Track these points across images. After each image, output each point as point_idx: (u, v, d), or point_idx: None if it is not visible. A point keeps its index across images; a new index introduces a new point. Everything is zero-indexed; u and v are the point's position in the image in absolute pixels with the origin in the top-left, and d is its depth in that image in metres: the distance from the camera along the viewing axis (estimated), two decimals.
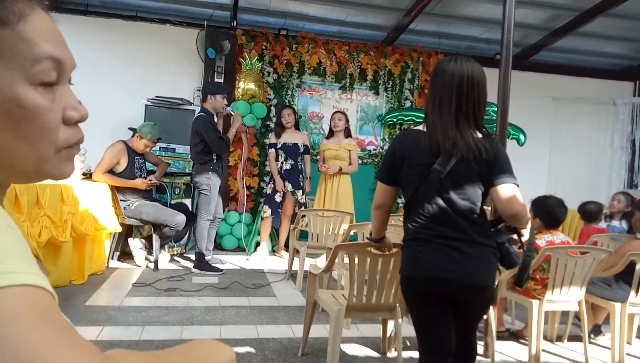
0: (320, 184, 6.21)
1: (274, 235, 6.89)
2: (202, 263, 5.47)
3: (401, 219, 2.42)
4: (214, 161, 5.32)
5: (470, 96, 2.06)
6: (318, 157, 6.55)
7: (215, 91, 5.35)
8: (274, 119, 6.99)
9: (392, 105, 7.87)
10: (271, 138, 6.46)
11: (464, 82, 2.05)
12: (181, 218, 5.31)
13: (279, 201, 6.27)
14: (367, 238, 2.52)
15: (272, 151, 6.33)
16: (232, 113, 5.65)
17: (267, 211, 6.34)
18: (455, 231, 2.07)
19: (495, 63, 4.02)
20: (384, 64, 7.78)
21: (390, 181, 2.21)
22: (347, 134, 6.20)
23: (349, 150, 6.14)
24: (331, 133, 6.25)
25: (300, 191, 6.37)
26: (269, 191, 6.38)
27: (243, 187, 6.96)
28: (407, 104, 7.92)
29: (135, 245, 5.72)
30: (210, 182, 5.30)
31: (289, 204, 6.41)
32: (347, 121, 6.20)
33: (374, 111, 7.88)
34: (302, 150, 6.40)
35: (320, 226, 5.04)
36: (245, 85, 6.75)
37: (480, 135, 2.10)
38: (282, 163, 6.31)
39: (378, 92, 7.85)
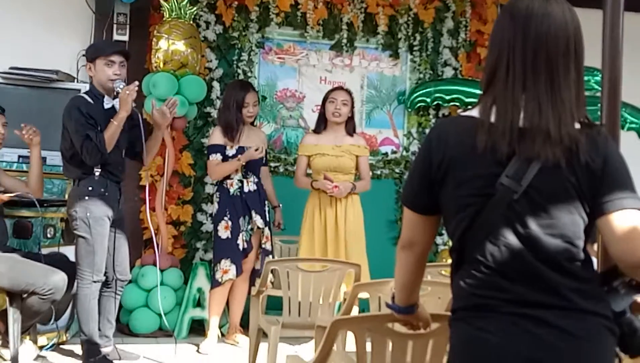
0: (311, 215, 5.24)
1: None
2: (94, 359, 4.69)
3: (445, 272, 2.26)
4: (96, 175, 4.60)
5: (567, 57, 1.67)
6: (295, 167, 5.61)
7: (93, 53, 4.73)
8: (218, 104, 5.90)
9: (421, 75, 6.81)
10: (214, 137, 5.26)
11: (556, 34, 1.67)
12: (58, 279, 4.63)
13: (243, 249, 5.17)
14: (388, 305, 2.08)
15: (215, 156, 5.18)
16: (119, 89, 4.65)
17: (229, 270, 5.15)
18: (542, 291, 1.67)
19: (597, 0, 3.18)
20: (405, 4, 6.62)
21: (425, 209, 1.79)
22: (353, 128, 5.40)
23: (357, 155, 5.32)
24: (322, 124, 5.31)
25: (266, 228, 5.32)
26: (223, 232, 5.19)
27: (166, 223, 5.79)
28: (448, 73, 6.82)
29: None
30: (89, 215, 4.59)
31: (251, 252, 5.30)
32: (353, 105, 5.36)
33: (391, 86, 6.91)
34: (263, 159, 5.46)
35: (305, 289, 4.45)
36: (168, 45, 5.57)
37: (576, 124, 1.68)
38: (241, 181, 5.26)
39: (397, 53, 6.76)
